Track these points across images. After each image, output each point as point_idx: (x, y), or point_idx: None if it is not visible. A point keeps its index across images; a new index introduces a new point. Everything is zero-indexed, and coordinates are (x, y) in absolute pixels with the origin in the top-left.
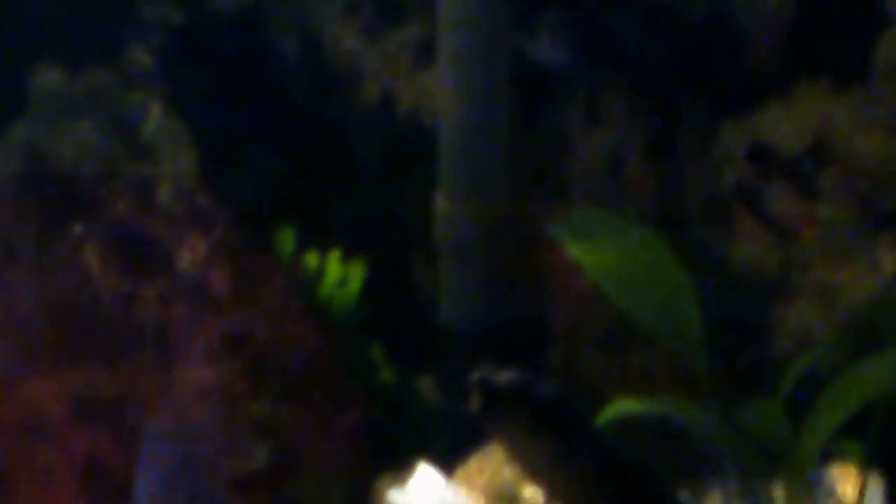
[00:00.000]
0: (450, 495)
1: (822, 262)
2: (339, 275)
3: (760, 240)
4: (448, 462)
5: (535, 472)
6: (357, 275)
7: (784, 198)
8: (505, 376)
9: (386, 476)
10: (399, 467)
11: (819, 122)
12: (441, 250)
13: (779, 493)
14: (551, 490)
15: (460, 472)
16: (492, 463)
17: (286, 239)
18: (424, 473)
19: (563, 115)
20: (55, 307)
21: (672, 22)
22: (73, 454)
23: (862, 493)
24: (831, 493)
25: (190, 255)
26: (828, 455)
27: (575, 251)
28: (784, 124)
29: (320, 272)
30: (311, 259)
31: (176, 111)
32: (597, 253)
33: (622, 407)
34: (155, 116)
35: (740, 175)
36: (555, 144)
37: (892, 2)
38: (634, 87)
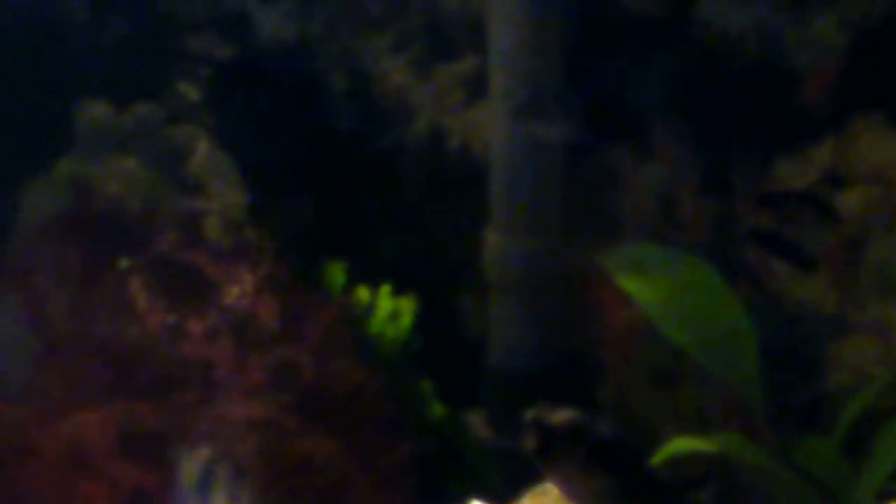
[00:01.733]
0: None
1: (879, 298)
2: (390, 309)
3: (818, 276)
4: (499, 501)
5: None
6: (408, 309)
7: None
8: (561, 415)
9: None
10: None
11: (875, 157)
12: (491, 286)
13: None
14: None
15: None
16: (546, 501)
17: (337, 273)
18: None
19: (616, 151)
20: (101, 341)
21: (726, 60)
22: (118, 488)
23: None
24: None
25: (237, 289)
26: (886, 495)
27: (626, 284)
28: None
29: (371, 306)
30: (363, 293)
31: (223, 145)
32: (649, 286)
33: (679, 445)
34: (202, 150)
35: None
36: (606, 180)
37: None
38: (687, 123)
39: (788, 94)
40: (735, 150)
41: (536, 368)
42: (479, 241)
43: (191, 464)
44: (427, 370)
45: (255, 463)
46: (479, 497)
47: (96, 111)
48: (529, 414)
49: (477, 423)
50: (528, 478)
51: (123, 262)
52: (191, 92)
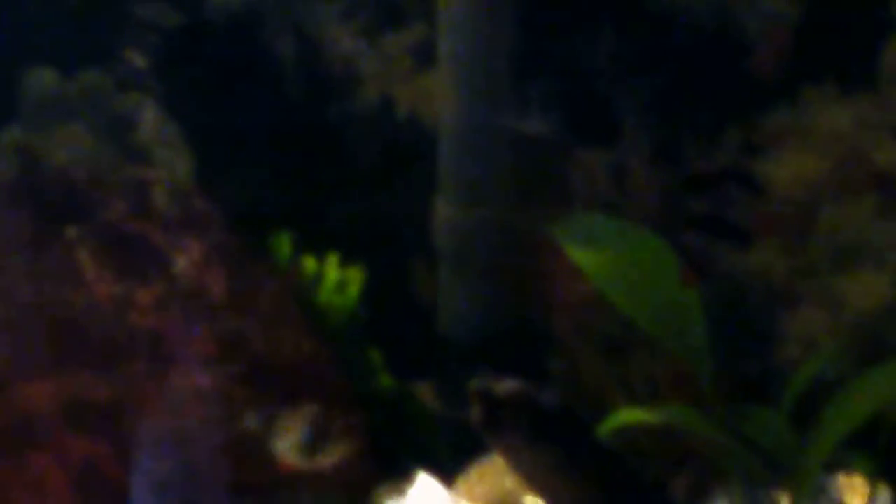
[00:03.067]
0: None
1: (828, 269)
2: (338, 279)
3: (767, 246)
4: (448, 471)
5: (536, 482)
6: (356, 280)
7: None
8: (505, 386)
9: (385, 485)
10: (398, 476)
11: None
12: (441, 256)
13: (784, 503)
14: (553, 500)
15: (460, 481)
16: (492, 472)
17: (283, 243)
18: (424, 483)
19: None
20: (49, 310)
21: (675, 28)
22: (67, 459)
23: None
24: None
25: (185, 258)
26: (834, 466)
27: (577, 255)
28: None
29: (318, 277)
30: (310, 263)
31: (171, 114)
32: (599, 256)
33: (625, 417)
34: (150, 119)
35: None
36: (557, 149)
37: None
38: (638, 94)
39: (739, 64)
40: (686, 121)
41: (486, 338)
42: (429, 210)
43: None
44: (378, 341)
45: (204, 434)
46: (425, 470)
47: (43, 79)
48: (474, 385)
49: (428, 394)
50: (477, 449)
51: (71, 231)
52: (138, 60)
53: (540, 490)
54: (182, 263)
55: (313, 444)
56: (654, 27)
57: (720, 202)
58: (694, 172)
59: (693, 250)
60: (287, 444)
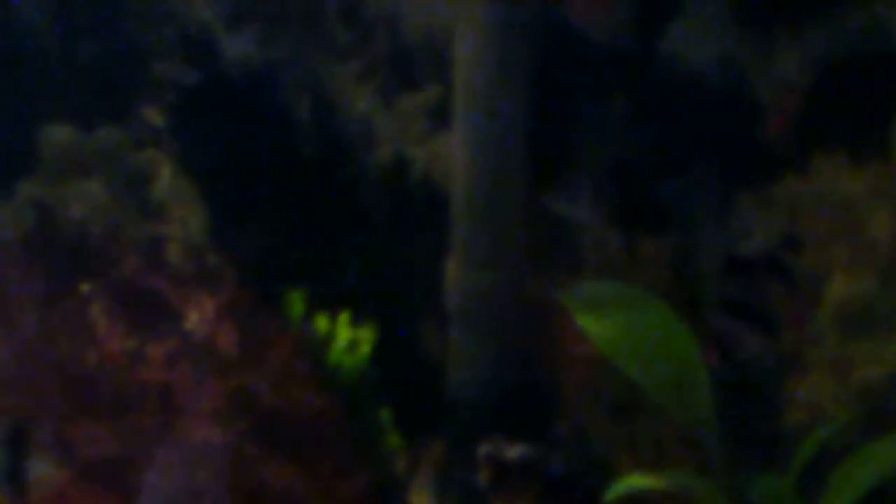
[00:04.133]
0: None
1: (836, 337)
2: (349, 338)
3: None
4: None
5: None
6: (367, 339)
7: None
8: (515, 451)
9: None
10: None
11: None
12: (451, 318)
13: None
14: None
15: None
16: None
17: (295, 301)
18: None
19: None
20: (61, 365)
21: (688, 94)
22: None
23: None
24: None
25: (197, 314)
26: None
27: (584, 322)
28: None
29: (330, 335)
30: (321, 322)
31: (186, 171)
32: (607, 324)
33: (632, 482)
34: (165, 176)
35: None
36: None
37: None
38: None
39: (751, 130)
40: (696, 187)
41: (494, 401)
42: (440, 271)
43: None
44: (388, 400)
45: (213, 489)
46: None
47: (61, 135)
48: (483, 448)
49: (437, 454)
50: None
51: (85, 286)
52: (155, 117)
53: None
54: (194, 319)
55: None
56: (668, 93)
57: (755, 289)
58: (734, 256)
59: (721, 331)
60: None
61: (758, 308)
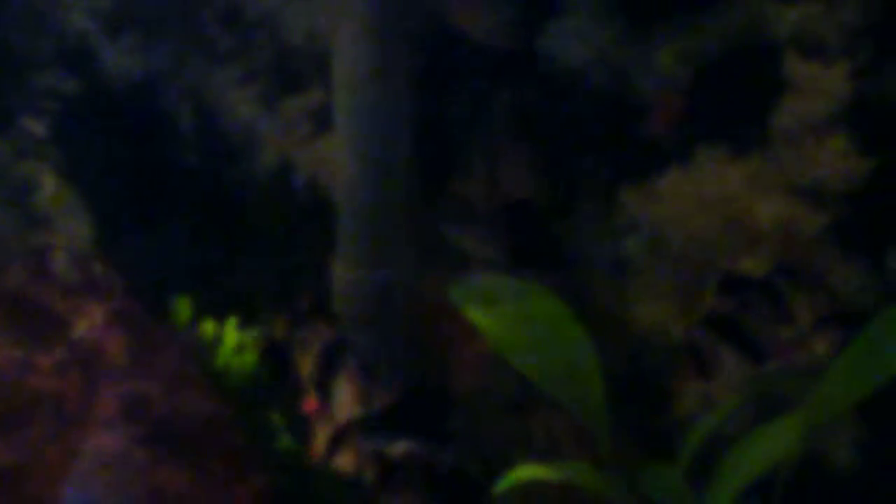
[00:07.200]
0: None
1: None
2: (236, 342)
3: (663, 303)
4: None
5: None
6: (254, 342)
7: None
8: (399, 447)
9: None
10: None
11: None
12: (339, 319)
13: None
14: None
15: None
16: None
17: (182, 307)
18: None
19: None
20: None
21: (571, 90)
22: None
23: None
24: None
25: (86, 322)
26: None
27: (475, 316)
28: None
29: (217, 340)
30: (209, 327)
31: (70, 180)
32: (497, 317)
33: (522, 473)
34: (49, 185)
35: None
36: (455, 211)
37: (790, 69)
38: (535, 154)
39: (634, 125)
40: (583, 181)
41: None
42: (327, 273)
43: None
44: (279, 401)
45: (108, 497)
46: None
47: None
48: (368, 446)
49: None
50: None
51: None
52: (36, 127)
53: None
54: (83, 327)
55: None
56: (551, 90)
57: (744, 310)
58: (731, 274)
59: (701, 347)
60: None
61: (745, 329)
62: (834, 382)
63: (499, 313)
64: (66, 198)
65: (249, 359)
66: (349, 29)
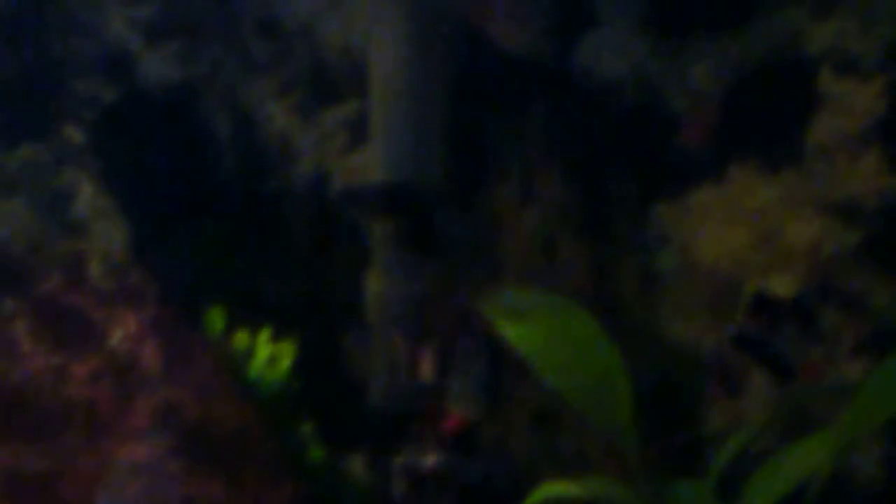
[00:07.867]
0: None
1: None
2: (269, 353)
3: (694, 318)
4: None
5: None
6: (287, 353)
7: None
8: (430, 460)
9: None
10: None
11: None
12: (373, 329)
13: None
14: None
15: None
16: None
17: (216, 317)
18: None
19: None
20: None
21: (605, 102)
22: None
23: None
24: None
25: (121, 331)
26: None
27: (506, 329)
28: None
29: (251, 350)
30: (242, 338)
31: (108, 188)
32: (528, 331)
33: (550, 489)
34: (87, 192)
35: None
36: (489, 224)
37: (824, 84)
38: (568, 167)
39: (667, 139)
40: (615, 194)
41: (416, 411)
42: (362, 284)
43: None
44: (310, 413)
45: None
46: None
47: None
48: (399, 458)
49: (358, 465)
50: None
51: (7, 305)
52: (76, 135)
53: None
54: (117, 336)
55: None
56: (584, 101)
57: (775, 328)
58: (762, 294)
59: (730, 364)
60: None
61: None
62: (865, 401)
63: (531, 329)
64: (103, 205)
65: (282, 370)
66: (385, 41)
